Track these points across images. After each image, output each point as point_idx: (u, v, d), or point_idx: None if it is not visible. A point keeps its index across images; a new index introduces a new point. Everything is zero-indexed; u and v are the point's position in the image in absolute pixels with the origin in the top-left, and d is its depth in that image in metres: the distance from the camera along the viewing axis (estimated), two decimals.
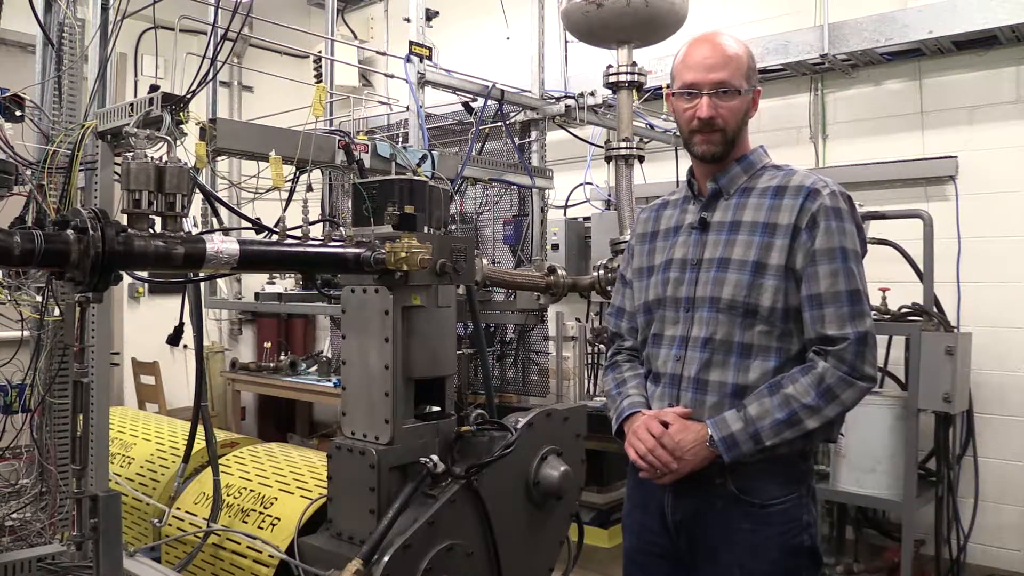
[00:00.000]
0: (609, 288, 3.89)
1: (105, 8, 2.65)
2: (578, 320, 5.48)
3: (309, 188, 2.82)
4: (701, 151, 1.85)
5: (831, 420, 1.73)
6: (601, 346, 5.58)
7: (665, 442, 1.76)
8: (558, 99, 4.60)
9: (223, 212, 2.94)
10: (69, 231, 1.55)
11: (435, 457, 1.93)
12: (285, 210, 2.38)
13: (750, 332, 1.77)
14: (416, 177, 2.28)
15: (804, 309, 1.74)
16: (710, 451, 1.73)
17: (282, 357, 6.56)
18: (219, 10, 2.29)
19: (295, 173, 2.83)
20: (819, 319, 1.72)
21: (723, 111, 1.80)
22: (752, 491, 1.76)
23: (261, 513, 3.11)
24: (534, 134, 4.72)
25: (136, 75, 5.39)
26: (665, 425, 1.79)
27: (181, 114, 2.22)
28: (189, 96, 2.22)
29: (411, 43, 3.81)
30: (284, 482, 3.26)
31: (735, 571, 1.77)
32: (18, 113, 2.57)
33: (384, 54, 5.04)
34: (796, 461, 1.81)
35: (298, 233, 2.16)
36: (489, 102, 4.20)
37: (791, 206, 1.76)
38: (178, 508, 3.33)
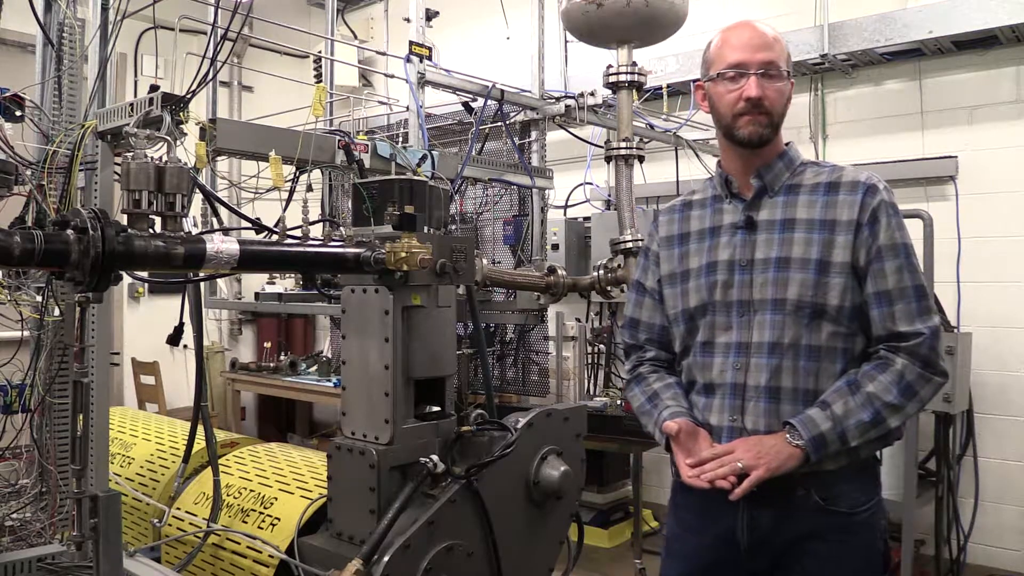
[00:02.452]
0: (609, 288, 3.89)
1: (105, 8, 2.64)
2: (578, 320, 5.48)
3: (309, 188, 2.82)
4: (747, 133, 1.73)
5: (909, 418, 1.70)
6: (601, 346, 5.58)
7: (738, 445, 1.66)
8: (558, 99, 4.59)
9: (223, 212, 2.94)
10: (69, 231, 1.55)
11: (435, 457, 1.93)
12: (285, 210, 2.38)
13: (818, 334, 1.69)
14: (416, 177, 2.28)
15: (871, 306, 1.68)
16: (794, 448, 1.62)
17: (282, 357, 6.55)
18: (219, 10, 2.29)
19: (295, 173, 2.83)
20: (889, 316, 1.66)
21: (770, 92, 1.72)
22: (837, 499, 1.69)
23: (261, 513, 3.11)
24: (534, 134, 4.72)
25: (136, 75, 5.40)
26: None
27: (181, 114, 2.22)
28: (189, 96, 2.22)
29: (411, 43, 3.81)
30: (284, 482, 3.26)
31: None
32: (18, 113, 2.57)
33: (384, 54, 5.04)
34: (872, 465, 1.78)
35: (298, 233, 2.16)
36: (489, 102, 4.19)
37: (850, 202, 1.70)
38: (178, 508, 3.33)
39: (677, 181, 5.27)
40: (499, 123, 4.42)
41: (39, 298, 2.72)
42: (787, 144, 1.83)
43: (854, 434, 1.63)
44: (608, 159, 3.98)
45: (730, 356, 1.75)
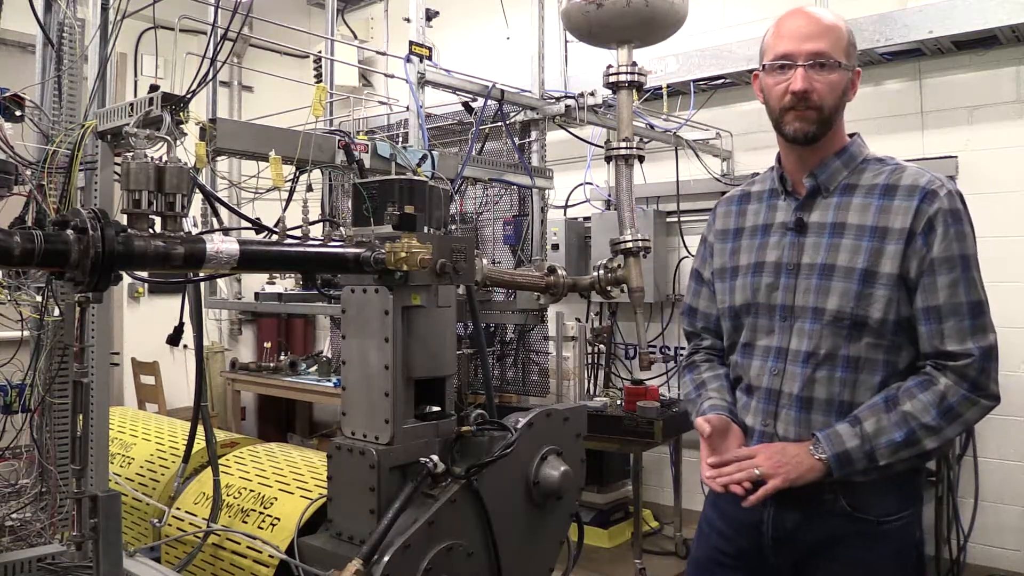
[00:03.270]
0: (609, 288, 3.89)
1: (105, 8, 2.64)
2: (578, 320, 5.48)
3: (309, 188, 2.82)
4: (793, 130, 1.67)
5: (950, 440, 1.62)
6: (601, 346, 5.59)
7: (761, 451, 1.64)
8: (558, 99, 4.60)
9: (223, 212, 2.94)
10: (69, 231, 1.54)
11: (435, 457, 1.93)
12: (285, 210, 2.38)
13: (857, 345, 1.62)
14: (416, 177, 2.27)
15: (920, 322, 1.60)
16: (816, 461, 1.58)
17: (282, 357, 6.56)
18: (219, 10, 2.29)
19: (295, 173, 2.83)
20: (938, 333, 1.58)
21: (819, 85, 1.63)
22: (866, 507, 1.64)
23: (261, 513, 3.11)
24: (534, 134, 4.72)
25: (136, 75, 5.40)
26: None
27: (181, 114, 2.22)
28: (189, 96, 2.22)
29: (411, 43, 3.81)
30: (284, 482, 3.26)
31: None
32: (18, 113, 2.57)
33: (384, 54, 5.04)
34: (911, 476, 1.70)
35: (298, 233, 2.16)
36: (489, 102, 4.20)
37: (905, 208, 1.60)
38: (178, 508, 3.33)
39: (677, 181, 5.28)
40: (499, 123, 4.43)
41: (39, 298, 2.72)
42: (852, 136, 1.74)
43: (884, 453, 1.56)
44: (608, 159, 3.98)
45: (768, 360, 1.72)
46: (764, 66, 1.71)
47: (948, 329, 1.58)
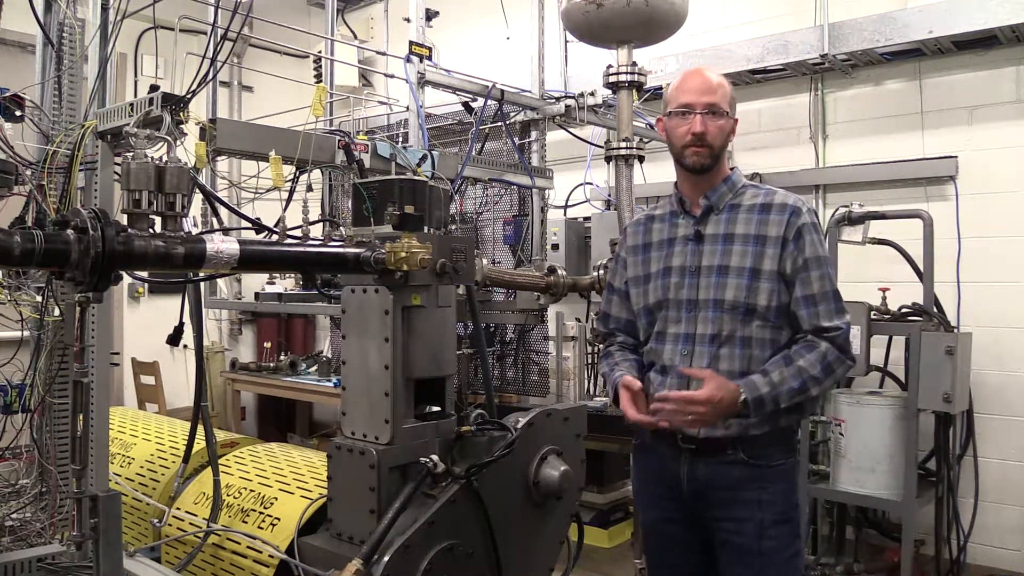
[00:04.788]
0: None
1: (105, 8, 2.65)
2: (578, 320, 5.48)
3: (309, 188, 2.82)
4: (692, 162, 2.12)
5: (826, 390, 2.07)
6: (601, 346, 5.58)
7: (709, 379, 1.98)
8: (558, 99, 4.60)
9: (223, 212, 2.94)
10: (69, 231, 1.55)
11: (435, 457, 1.93)
12: (285, 210, 2.39)
13: (749, 327, 2.07)
14: (416, 177, 2.28)
15: (800, 307, 2.06)
16: (739, 394, 1.98)
17: (282, 357, 6.55)
18: (219, 10, 2.29)
19: (295, 173, 2.83)
20: (815, 314, 2.05)
21: (712, 128, 2.09)
22: (760, 456, 2.06)
23: (261, 513, 3.12)
24: (534, 134, 4.72)
25: (136, 75, 5.40)
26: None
27: (181, 114, 2.22)
28: (189, 96, 2.22)
29: (411, 43, 3.81)
30: (284, 482, 3.26)
31: (748, 525, 2.05)
32: (18, 113, 2.57)
33: (384, 54, 5.04)
34: (789, 434, 2.14)
35: (298, 233, 2.16)
36: (489, 102, 4.20)
37: (779, 221, 2.08)
38: (178, 508, 3.33)
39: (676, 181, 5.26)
40: (499, 123, 4.43)
41: (39, 298, 2.72)
42: (732, 169, 2.22)
43: (784, 398, 2.00)
44: (608, 159, 3.98)
45: (679, 344, 2.12)
46: (669, 112, 2.15)
47: (822, 311, 2.05)
